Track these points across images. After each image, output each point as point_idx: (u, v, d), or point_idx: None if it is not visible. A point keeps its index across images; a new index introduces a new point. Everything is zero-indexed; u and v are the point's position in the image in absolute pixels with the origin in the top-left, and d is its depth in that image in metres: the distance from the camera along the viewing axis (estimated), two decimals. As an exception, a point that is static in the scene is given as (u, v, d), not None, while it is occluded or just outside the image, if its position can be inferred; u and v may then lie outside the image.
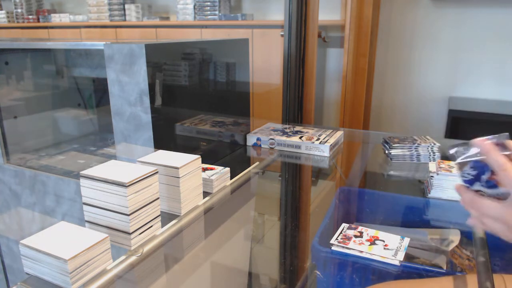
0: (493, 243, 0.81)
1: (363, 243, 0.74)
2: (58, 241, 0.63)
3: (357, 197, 1.09)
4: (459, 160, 0.51)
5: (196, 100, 1.20)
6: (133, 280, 0.68)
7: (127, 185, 0.68)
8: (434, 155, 1.22)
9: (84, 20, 3.67)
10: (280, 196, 1.17)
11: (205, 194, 0.94)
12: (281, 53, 1.81)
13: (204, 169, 1.01)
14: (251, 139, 1.43)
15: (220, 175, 0.99)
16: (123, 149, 1.08)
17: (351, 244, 0.74)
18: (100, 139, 1.68)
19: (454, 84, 2.53)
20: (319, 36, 2.53)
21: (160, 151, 0.90)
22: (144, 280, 0.69)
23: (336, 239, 0.76)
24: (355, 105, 2.43)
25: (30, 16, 3.97)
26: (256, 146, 1.42)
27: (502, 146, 0.49)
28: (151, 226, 0.76)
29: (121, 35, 3.35)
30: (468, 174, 0.51)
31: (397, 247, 0.73)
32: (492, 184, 0.50)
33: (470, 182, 0.52)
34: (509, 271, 0.63)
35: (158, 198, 0.76)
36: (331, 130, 1.48)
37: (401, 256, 0.70)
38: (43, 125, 1.59)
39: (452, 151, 0.52)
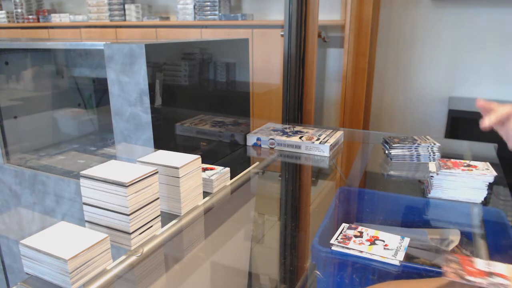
0: (493, 243, 0.81)
1: (363, 243, 0.74)
2: (58, 241, 0.63)
3: (357, 197, 1.09)
4: None
5: (196, 100, 1.20)
6: (133, 280, 0.68)
7: (127, 185, 0.68)
8: (434, 155, 1.22)
9: (84, 20, 3.67)
10: (280, 196, 1.17)
11: (205, 194, 0.94)
12: (281, 53, 1.81)
13: (204, 169, 1.01)
14: (251, 139, 1.43)
15: (220, 175, 0.99)
16: (123, 149, 1.08)
17: (351, 244, 0.74)
18: (100, 139, 1.68)
19: (454, 84, 2.53)
20: (319, 36, 2.53)
21: (160, 151, 0.90)
22: (144, 280, 0.69)
23: (336, 239, 0.76)
24: (355, 105, 2.43)
25: (30, 16, 3.97)
26: (256, 146, 1.42)
27: None
28: (151, 226, 0.76)
29: (121, 35, 3.35)
30: None
31: (397, 247, 0.73)
32: None
33: None
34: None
35: (158, 198, 0.76)
36: (331, 130, 1.48)
37: (401, 256, 0.70)
38: (43, 125, 1.59)
39: None
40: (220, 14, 3.00)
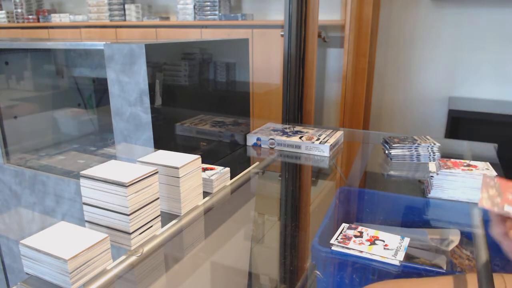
0: (493, 243, 0.81)
1: (363, 243, 0.74)
2: (58, 241, 0.63)
3: (357, 197, 1.09)
4: None
5: (196, 100, 1.20)
6: (133, 280, 0.68)
7: (127, 185, 0.68)
8: (434, 155, 1.22)
9: (84, 20, 3.67)
10: (280, 196, 1.17)
11: (205, 194, 0.94)
12: (281, 53, 1.81)
13: (204, 169, 1.01)
14: (251, 139, 1.43)
15: (220, 175, 0.99)
16: (123, 149, 1.08)
17: (351, 244, 0.74)
18: (100, 139, 1.68)
19: (454, 84, 2.53)
20: (319, 36, 2.53)
21: (160, 151, 0.90)
22: (144, 280, 0.69)
23: (336, 239, 0.76)
24: (355, 105, 2.43)
25: (30, 16, 3.97)
26: (256, 146, 1.42)
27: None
28: (151, 226, 0.76)
29: (121, 35, 3.35)
30: None
31: (397, 247, 0.73)
32: None
33: None
34: (508, 270, 0.63)
35: (158, 198, 0.76)
36: (331, 130, 1.48)
37: (401, 256, 0.70)
38: (43, 125, 1.59)
39: None
40: (220, 14, 3.00)
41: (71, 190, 1.20)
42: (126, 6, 3.40)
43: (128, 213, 0.69)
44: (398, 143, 1.26)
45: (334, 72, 2.82)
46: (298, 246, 0.90)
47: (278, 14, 2.99)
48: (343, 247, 0.74)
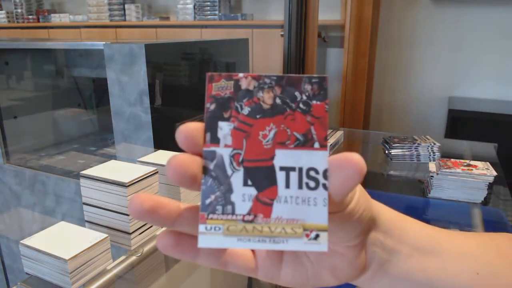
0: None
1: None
2: (58, 241, 0.63)
3: (357, 197, 1.09)
4: None
5: (196, 100, 1.20)
6: (133, 280, 0.68)
7: (127, 185, 0.68)
8: (434, 155, 1.22)
9: (84, 20, 3.67)
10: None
11: (205, 194, 0.94)
12: (281, 53, 1.81)
13: (204, 169, 1.01)
14: (251, 139, 1.43)
15: (220, 175, 0.99)
16: (123, 149, 1.08)
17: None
18: (100, 139, 1.69)
19: (454, 84, 2.54)
20: (319, 36, 2.53)
21: (160, 151, 0.90)
22: (144, 280, 0.69)
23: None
24: (355, 105, 2.43)
25: (30, 16, 3.97)
26: (256, 146, 1.42)
27: None
28: (151, 226, 0.76)
29: (121, 35, 3.35)
30: None
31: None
32: None
33: None
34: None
35: (158, 198, 0.76)
36: (331, 130, 1.48)
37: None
38: (43, 125, 1.59)
39: None
40: (220, 14, 3.00)
41: (71, 190, 1.20)
42: (126, 6, 3.40)
43: (128, 213, 0.69)
44: (398, 143, 1.26)
45: (334, 72, 2.82)
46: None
47: (278, 14, 2.99)
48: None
